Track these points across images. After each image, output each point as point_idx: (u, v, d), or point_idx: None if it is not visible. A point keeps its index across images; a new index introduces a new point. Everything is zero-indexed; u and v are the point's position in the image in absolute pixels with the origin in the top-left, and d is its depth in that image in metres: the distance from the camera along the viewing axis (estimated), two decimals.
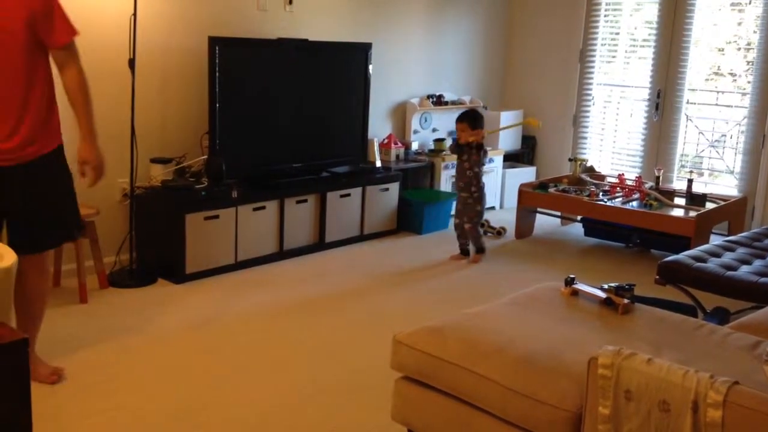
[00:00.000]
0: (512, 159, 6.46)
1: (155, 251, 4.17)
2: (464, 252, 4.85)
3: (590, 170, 5.70)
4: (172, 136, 4.41)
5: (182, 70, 4.39)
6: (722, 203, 4.98)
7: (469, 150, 4.66)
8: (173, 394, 2.83)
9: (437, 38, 6.04)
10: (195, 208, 4.07)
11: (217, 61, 4.20)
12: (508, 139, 6.33)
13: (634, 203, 4.96)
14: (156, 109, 4.32)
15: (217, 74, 4.22)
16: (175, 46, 4.32)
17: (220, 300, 3.86)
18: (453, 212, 4.99)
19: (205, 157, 4.37)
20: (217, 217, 4.18)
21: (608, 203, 4.93)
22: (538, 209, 5.43)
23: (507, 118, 6.19)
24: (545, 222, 5.70)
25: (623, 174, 5.42)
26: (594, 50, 6.26)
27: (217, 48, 4.19)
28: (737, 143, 5.68)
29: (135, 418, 2.64)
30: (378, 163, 5.36)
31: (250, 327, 3.53)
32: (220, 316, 3.64)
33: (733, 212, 5.06)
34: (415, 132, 5.90)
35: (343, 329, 3.56)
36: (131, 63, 3.92)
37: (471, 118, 4.70)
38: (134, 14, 3.89)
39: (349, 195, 4.95)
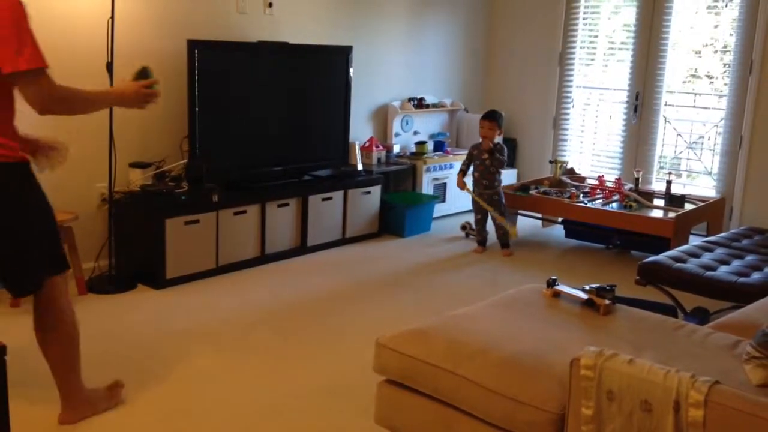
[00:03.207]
0: None
1: (135, 256, 4.13)
2: (482, 243, 5.14)
3: (570, 172, 5.74)
4: (152, 140, 4.37)
5: (161, 73, 4.29)
6: (701, 204, 5.02)
7: (491, 150, 4.95)
8: (154, 400, 2.80)
9: (418, 41, 6.04)
10: (175, 212, 4.03)
11: (196, 64, 4.17)
12: None
13: (614, 205, 4.99)
14: (134, 112, 4.23)
15: (197, 78, 4.19)
16: (154, 50, 4.28)
17: (201, 305, 3.83)
18: (472, 208, 5.19)
19: (185, 161, 4.34)
20: (197, 221, 4.14)
21: (588, 205, 4.96)
22: (519, 211, 5.45)
23: None
24: (526, 224, 5.72)
25: (603, 176, 5.46)
26: (573, 53, 6.30)
27: (196, 51, 4.17)
28: (715, 145, 5.74)
29: (115, 425, 2.61)
30: (359, 167, 5.35)
31: (231, 332, 3.50)
32: (201, 321, 3.62)
33: (711, 213, 5.11)
34: (397, 135, 5.89)
35: (326, 333, 3.55)
36: (109, 66, 3.88)
37: (499, 117, 5.03)
38: (112, 17, 3.86)
39: (330, 198, 4.93)
